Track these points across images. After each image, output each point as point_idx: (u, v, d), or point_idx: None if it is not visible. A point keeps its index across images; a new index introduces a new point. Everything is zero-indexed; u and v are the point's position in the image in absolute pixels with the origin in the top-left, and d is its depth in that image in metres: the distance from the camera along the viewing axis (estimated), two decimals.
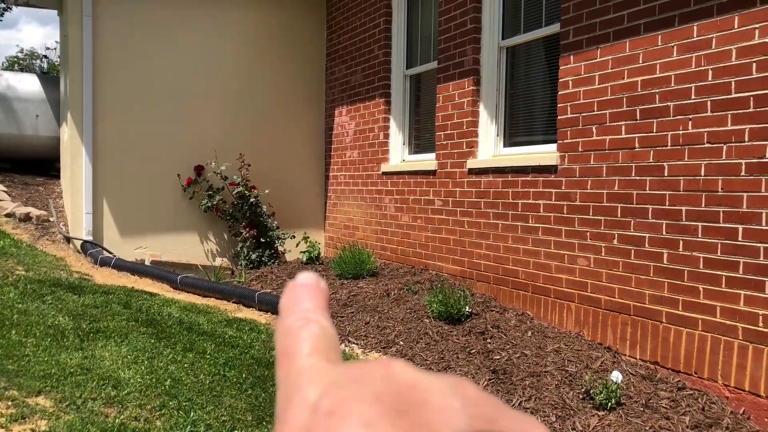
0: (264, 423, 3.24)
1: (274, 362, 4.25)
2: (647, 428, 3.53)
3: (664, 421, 3.60)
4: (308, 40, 8.84)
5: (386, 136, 7.62)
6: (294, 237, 8.36)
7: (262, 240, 8.03)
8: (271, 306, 5.82)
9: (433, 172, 6.65)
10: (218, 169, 8.02)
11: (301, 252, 8.00)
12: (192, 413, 3.23)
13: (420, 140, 7.42)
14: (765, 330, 3.63)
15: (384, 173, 7.53)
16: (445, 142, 6.46)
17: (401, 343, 4.90)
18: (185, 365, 3.95)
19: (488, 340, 4.76)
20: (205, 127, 8.14)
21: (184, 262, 7.89)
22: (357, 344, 5.01)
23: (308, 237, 8.10)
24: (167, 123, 7.93)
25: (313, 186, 8.95)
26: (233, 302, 6.10)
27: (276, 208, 8.40)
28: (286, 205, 8.58)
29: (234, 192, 7.98)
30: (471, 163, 6.08)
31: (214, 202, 7.99)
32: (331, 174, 8.80)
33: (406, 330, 5.10)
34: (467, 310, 5.23)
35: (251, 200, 7.97)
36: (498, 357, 4.47)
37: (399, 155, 7.56)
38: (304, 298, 0.36)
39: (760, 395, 3.65)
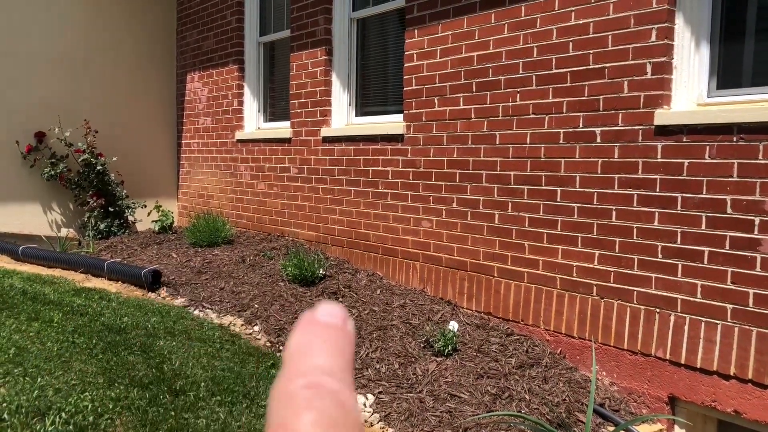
0: (116, 384, 3.28)
1: (125, 328, 4.25)
2: (479, 370, 3.94)
3: (493, 363, 4.03)
4: (157, 3, 8.55)
5: (240, 103, 7.61)
6: (145, 206, 8.17)
7: (111, 209, 7.79)
8: (121, 275, 5.72)
9: (288, 140, 6.76)
10: (62, 136, 7.63)
11: (152, 221, 7.84)
12: (39, 379, 3.20)
13: (275, 108, 7.48)
14: (578, 279, 4.15)
15: (239, 141, 7.54)
16: (299, 111, 6.58)
17: (256, 306, 5.03)
18: (30, 334, 3.86)
19: (340, 299, 5.01)
20: (47, 91, 7.69)
21: (26, 233, 7.48)
22: (211, 309, 5.08)
23: (160, 206, 7.95)
24: (1, 86, 7.41)
25: (164, 153, 8.75)
26: (81, 272, 5.92)
27: (126, 176, 8.15)
28: (136, 173, 8.34)
29: (80, 159, 7.65)
30: (325, 132, 6.26)
31: (58, 171, 7.61)
32: (184, 141, 8.64)
33: (261, 293, 5.24)
34: (321, 272, 5.45)
35: (98, 168, 7.68)
36: (348, 314, 4.72)
37: (254, 123, 7.59)
38: (320, 348, 0.26)
39: (573, 336, 4.18)
